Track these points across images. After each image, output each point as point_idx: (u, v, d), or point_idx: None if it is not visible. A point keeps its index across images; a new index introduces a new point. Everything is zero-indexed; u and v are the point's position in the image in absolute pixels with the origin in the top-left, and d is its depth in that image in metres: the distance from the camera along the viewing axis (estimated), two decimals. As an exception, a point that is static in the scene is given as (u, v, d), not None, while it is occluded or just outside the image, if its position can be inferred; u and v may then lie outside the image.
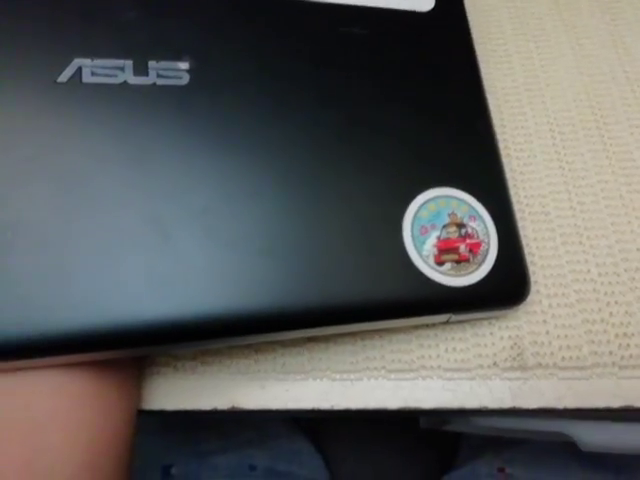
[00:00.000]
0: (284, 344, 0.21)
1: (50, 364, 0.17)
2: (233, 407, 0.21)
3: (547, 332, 0.21)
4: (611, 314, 0.21)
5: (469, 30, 0.24)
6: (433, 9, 0.24)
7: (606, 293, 0.22)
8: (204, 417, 0.21)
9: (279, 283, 0.18)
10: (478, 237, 0.21)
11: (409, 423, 0.33)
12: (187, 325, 0.17)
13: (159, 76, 0.19)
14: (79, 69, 0.18)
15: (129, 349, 0.17)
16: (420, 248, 0.20)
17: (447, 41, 0.24)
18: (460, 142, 0.22)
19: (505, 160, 0.24)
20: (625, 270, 0.22)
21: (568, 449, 0.30)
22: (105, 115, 0.18)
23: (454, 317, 0.21)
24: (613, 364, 0.21)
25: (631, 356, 0.21)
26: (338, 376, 0.21)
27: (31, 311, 0.16)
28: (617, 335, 0.21)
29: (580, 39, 0.28)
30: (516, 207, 0.23)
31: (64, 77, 0.18)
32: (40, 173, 0.17)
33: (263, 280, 0.18)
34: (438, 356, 0.21)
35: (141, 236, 0.17)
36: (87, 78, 0.18)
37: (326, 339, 0.21)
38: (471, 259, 0.20)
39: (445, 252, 0.20)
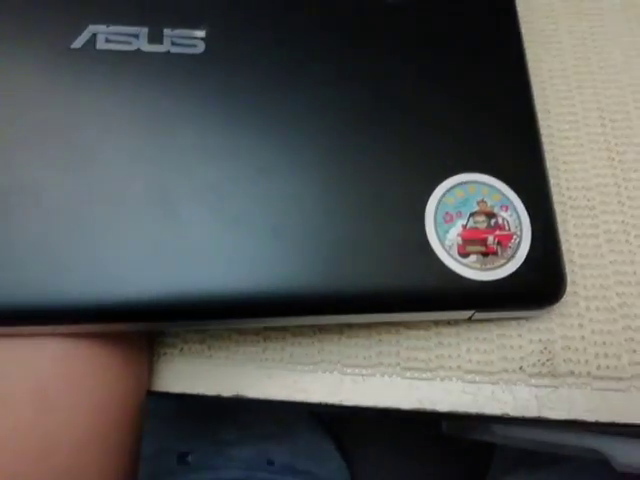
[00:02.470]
0: (294, 333, 0.21)
1: (53, 332, 0.17)
2: (237, 395, 0.21)
3: (583, 337, 0.20)
4: (657, 321, 0.20)
5: (515, 6, 0.23)
6: None
7: (653, 298, 0.20)
8: (222, 405, 0.21)
9: (288, 264, 0.18)
10: (509, 229, 0.20)
11: (438, 430, 0.32)
12: (187, 303, 0.17)
13: (174, 44, 0.19)
14: (94, 35, 0.18)
15: (128, 323, 0.18)
16: (443, 237, 0.19)
17: (491, 16, 0.23)
18: (497, 126, 0.21)
19: (548, 148, 0.23)
20: (677, 274, 0.21)
21: (607, 471, 0.29)
22: (118, 82, 0.18)
23: (478, 314, 0.20)
24: (656, 376, 0.19)
25: (677, 369, 0.19)
26: (349, 370, 0.20)
27: (33, 278, 0.16)
28: (662, 345, 0.20)
29: (641, 18, 0.26)
30: (557, 199, 0.22)
31: (78, 43, 0.18)
32: (50, 138, 0.17)
33: (271, 261, 0.18)
34: (459, 356, 0.20)
35: (147, 208, 0.17)
36: (101, 45, 0.18)
37: (339, 330, 0.21)
38: (499, 252, 0.19)
39: (471, 243, 0.19)
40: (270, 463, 0.33)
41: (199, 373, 0.21)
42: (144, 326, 0.19)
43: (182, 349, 0.21)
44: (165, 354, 0.21)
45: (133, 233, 0.17)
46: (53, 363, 0.17)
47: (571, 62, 0.26)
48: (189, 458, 0.31)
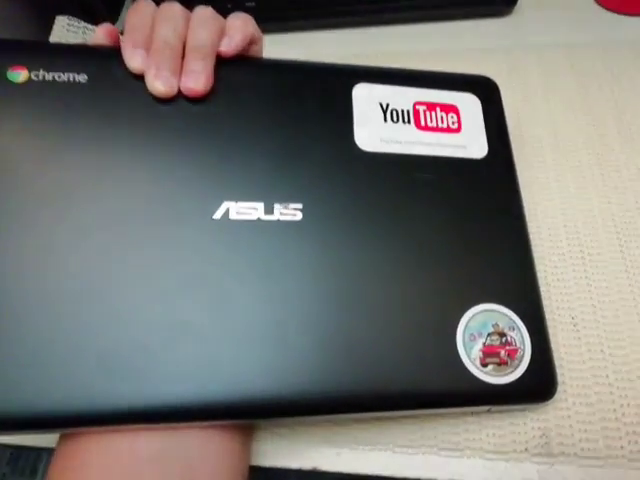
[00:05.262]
0: (357, 421, 0.29)
1: (197, 426, 0.25)
2: (315, 468, 0.28)
3: (570, 426, 0.28)
4: (624, 414, 0.28)
5: (515, 171, 0.32)
6: (486, 156, 0.31)
7: (621, 396, 0.28)
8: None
9: (352, 374, 0.26)
10: (516, 345, 0.28)
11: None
12: (286, 403, 0.25)
13: (281, 214, 0.27)
14: (227, 209, 0.27)
15: (249, 419, 0.25)
16: (469, 352, 0.27)
17: (496, 182, 0.31)
18: (504, 268, 0.29)
19: (542, 275, 0.32)
20: (638, 377, 0.29)
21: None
22: (246, 243, 0.27)
23: (494, 408, 0.28)
24: (623, 457, 0.27)
25: (639, 451, 0.27)
26: (398, 449, 0.28)
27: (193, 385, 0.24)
28: (628, 432, 0.27)
29: (610, 172, 0.35)
30: (549, 316, 0.30)
31: (218, 215, 0.27)
32: (199, 284, 0.25)
33: (344, 372, 0.26)
34: (480, 439, 0.28)
35: (265, 336, 0.25)
36: (233, 216, 0.27)
37: (390, 420, 0.29)
38: (509, 362, 0.27)
39: (489, 356, 0.27)
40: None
41: (284, 450, 0.28)
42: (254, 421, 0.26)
43: (271, 431, 0.29)
44: (257, 438, 0.29)
45: (257, 353, 0.25)
46: (198, 447, 0.24)
47: (558, 205, 0.35)
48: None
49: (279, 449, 0.29)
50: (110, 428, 0.24)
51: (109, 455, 0.23)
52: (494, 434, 0.28)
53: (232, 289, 0.26)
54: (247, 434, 0.27)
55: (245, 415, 0.25)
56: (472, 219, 0.30)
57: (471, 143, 0.32)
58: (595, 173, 0.35)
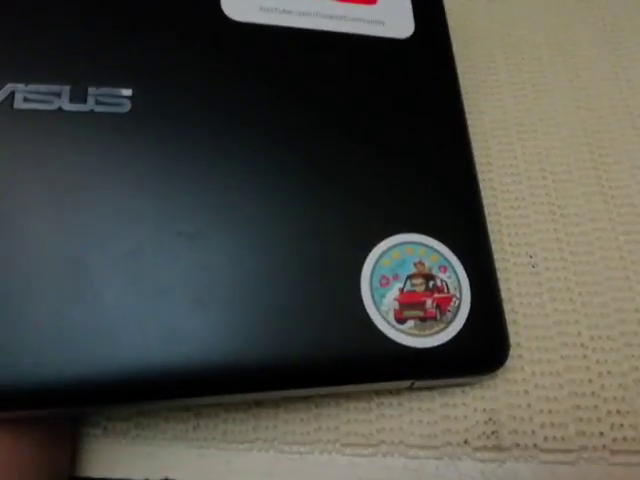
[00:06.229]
0: (228, 409, 0.20)
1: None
2: (166, 478, 0.19)
3: (528, 405, 0.19)
4: (603, 387, 0.19)
5: (453, 58, 0.23)
6: (412, 35, 0.23)
7: (598, 361, 0.20)
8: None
9: (216, 338, 0.17)
10: (448, 291, 0.19)
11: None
12: (104, 385, 0.16)
13: (98, 103, 0.18)
14: (11, 94, 0.18)
15: (38, 410, 0.16)
16: (379, 302, 0.18)
17: (426, 71, 0.23)
18: (433, 183, 0.21)
19: (490, 201, 0.23)
20: (621, 334, 0.20)
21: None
22: (35, 144, 0.18)
23: (418, 383, 0.19)
24: (604, 447, 0.18)
25: (625, 439, 0.19)
26: (286, 448, 0.19)
27: None
28: (609, 412, 0.19)
29: (579, 70, 0.27)
30: (499, 256, 0.22)
31: None
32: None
33: (198, 334, 0.17)
34: (401, 429, 0.19)
35: (58, 281, 0.16)
36: (19, 104, 0.18)
37: (275, 404, 0.20)
38: (438, 316, 0.19)
39: (408, 307, 0.18)
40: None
41: (124, 455, 0.20)
42: (63, 411, 0.17)
43: (106, 428, 0.20)
44: (87, 435, 0.20)
45: (39, 309, 0.16)
46: None
47: (512, 113, 0.26)
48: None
49: (118, 453, 0.19)
50: None
51: None
52: (420, 420, 0.19)
53: (10, 213, 0.17)
54: (51, 432, 0.18)
55: (39, 405, 0.16)
56: (390, 120, 0.21)
57: (391, 18, 0.23)
58: (559, 71, 0.27)
